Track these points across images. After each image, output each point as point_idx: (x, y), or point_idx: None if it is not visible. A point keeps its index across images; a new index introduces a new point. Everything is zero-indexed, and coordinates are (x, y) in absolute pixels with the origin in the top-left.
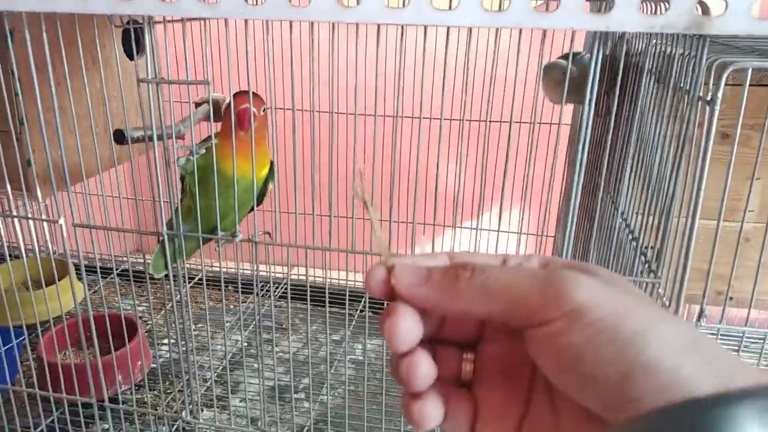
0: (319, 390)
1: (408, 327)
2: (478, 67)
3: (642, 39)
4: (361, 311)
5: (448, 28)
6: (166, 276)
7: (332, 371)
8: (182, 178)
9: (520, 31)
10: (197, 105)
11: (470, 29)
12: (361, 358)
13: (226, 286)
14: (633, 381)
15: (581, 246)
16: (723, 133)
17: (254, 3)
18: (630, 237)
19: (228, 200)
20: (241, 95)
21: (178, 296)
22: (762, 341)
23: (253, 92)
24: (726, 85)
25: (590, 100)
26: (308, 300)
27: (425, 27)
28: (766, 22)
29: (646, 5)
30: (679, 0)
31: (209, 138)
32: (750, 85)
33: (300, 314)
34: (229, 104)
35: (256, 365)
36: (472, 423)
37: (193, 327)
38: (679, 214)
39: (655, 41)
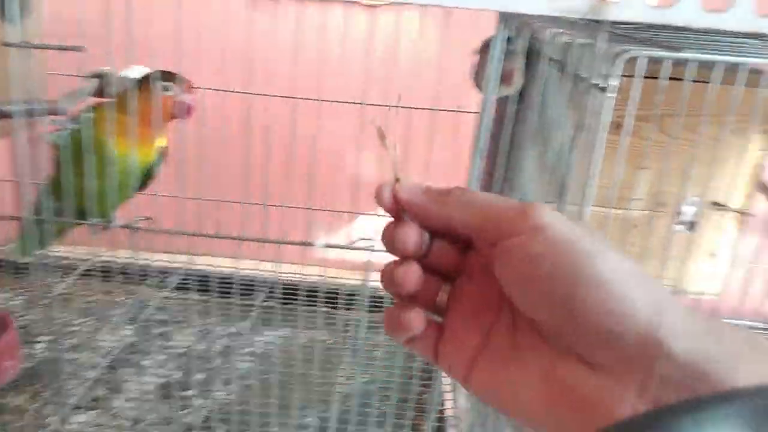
0: (213, 386)
1: (411, 233)
2: (384, 52)
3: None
4: (264, 301)
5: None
6: (45, 265)
7: (229, 365)
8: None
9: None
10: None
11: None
12: (261, 350)
13: (116, 277)
14: (580, 293)
15: None
16: (617, 123)
17: None
18: None
19: (105, 180)
20: (185, 83)
21: (55, 289)
22: None
23: (175, 73)
24: (624, 76)
25: (491, 86)
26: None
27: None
28: (660, 10)
29: None
30: None
31: (88, 111)
32: (645, 77)
33: (197, 306)
34: (145, 82)
35: (144, 362)
36: (436, 344)
37: (76, 322)
38: (573, 201)
39: (561, 30)
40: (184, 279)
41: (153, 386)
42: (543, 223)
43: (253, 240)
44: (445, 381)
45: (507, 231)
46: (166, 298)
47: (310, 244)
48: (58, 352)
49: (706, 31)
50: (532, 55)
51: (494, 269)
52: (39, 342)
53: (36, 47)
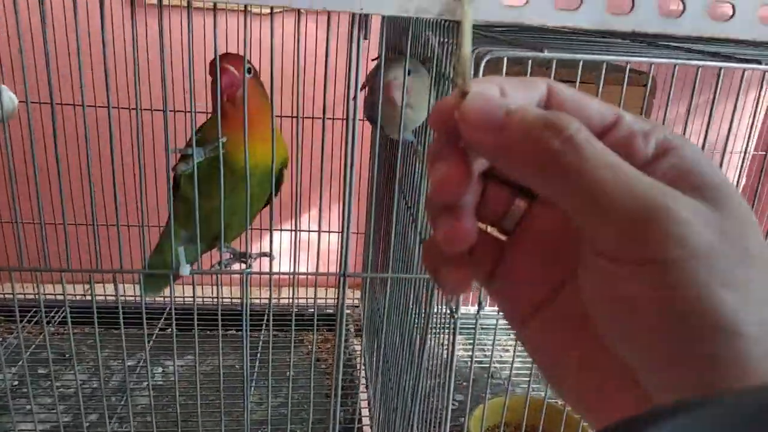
0: (108, 426)
1: (458, 182)
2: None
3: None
4: (162, 329)
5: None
6: None
7: (124, 402)
8: (175, 180)
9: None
10: None
11: (214, 7)
12: (161, 383)
13: None
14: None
15: (384, 242)
16: None
17: None
18: (415, 231)
19: (238, 198)
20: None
21: None
22: None
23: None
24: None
25: (355, 87)
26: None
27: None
28: (515, 10)
29: None
30: None
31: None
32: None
33: (88, 340)
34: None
35: (28, 406)
36: (493, 267)
37: None
38: None
39: (429, 32)
40: (73, 312)
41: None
42: (667, 256)
43: (120, 272)
44: (363, 396)
45: (610, 247)
46: (52, 334)
47: (175, 272)
48: None
49: (574, 32)
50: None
51: (578, 275)
52: None
53: None
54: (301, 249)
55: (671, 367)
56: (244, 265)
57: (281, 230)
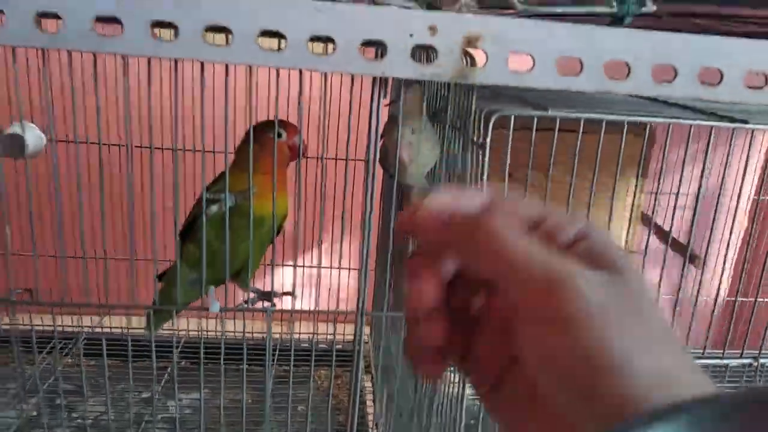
0: None
1: (422, 292)
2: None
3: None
4: (177, 362)
5: (227, 66)
6: None
7: None
8: (191, 223)
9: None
10: None
11: (249, 67)
12: (175, 415)
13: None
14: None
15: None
16: (510, 172)
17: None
18: None
19: (254, 244)
20: (289, 127)
21: None
22: None
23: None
24: (503, 128)
25: (375, 137)
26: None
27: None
28: (520, 76)
29: (420, 53)
30: (446, 52)
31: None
32: (538, 129)
33: (98, 374)
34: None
35: None
36: (462, 356)
37: None
38: None
39: (442, 89)
40: (88, 344)
41: None
42: (568, 314)
43: (146, 308)
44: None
45: (529, 308)
46: (66, 366)
47: (204, 309)
48: None
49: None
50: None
51: (513, 330)
52: None
53: None
54: (311, 285)
55: (586, 400)
56: (266, 303)
57: (297, 266)
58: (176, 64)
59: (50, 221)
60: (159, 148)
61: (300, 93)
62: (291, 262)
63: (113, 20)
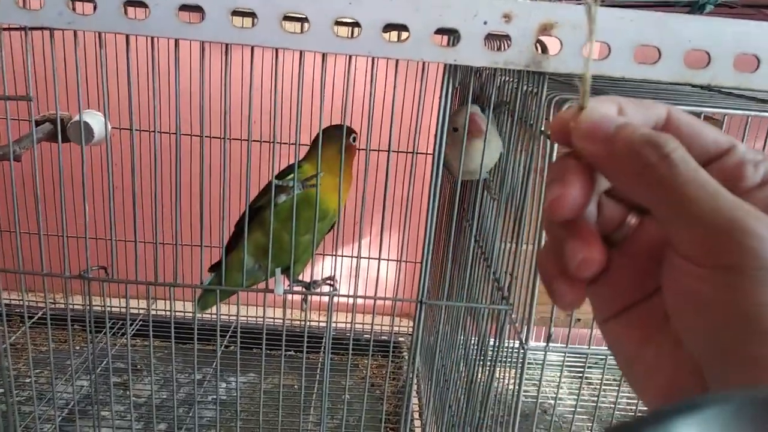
0: None
1: (572, 203)
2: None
3: (499, 75)
4: (227, 347)
5: (302, 52)
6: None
7: (191, 414)
8: (255, 210)
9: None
10: (38, 123)
11: (324, 55)
12: (225, 398)
13: (72, 325)
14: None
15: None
16: None
17: (82, 12)
18: (485, 264)
19: (312, 235)
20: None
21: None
22: (604, 359)
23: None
24: None
25: (441, 125)
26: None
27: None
28: (596, 63)
29: (491, 42)
30: (520, 39)
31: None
32: None
33: (157, 353)
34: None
35: (103, 413)
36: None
37: (29, 373)
38: (527, 240)
39: (507, 78)
40: (142, 325)
41: None
42: (744, 265)
43: (213, 288)
44: (416, 424)
45: (697, 247)
46: (124, 345)
47: (270, 291)
48: (11, 405)
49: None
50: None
51: (665, 262)
52: None
53: None
54: (358, 276)
55: (725, 360)
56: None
57: (342, 256)
58: (253, 53)
59: (123, 204)
60: (236, 139)
61: (372, 83)
62: (331, 252)
63: (196, 8)
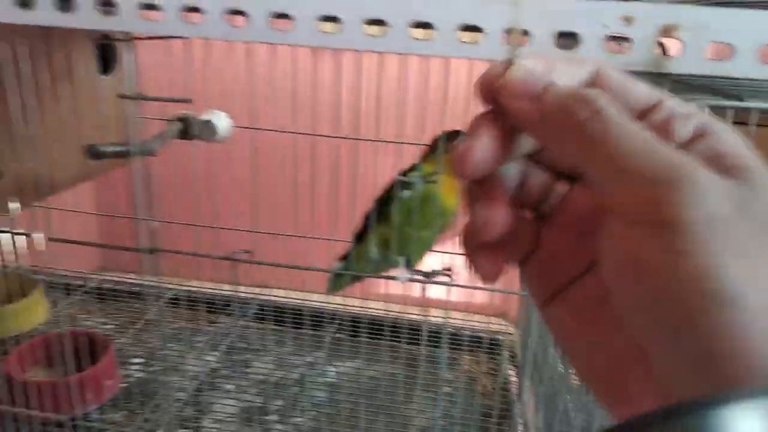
0: (291, 412)
1: (479, 157)
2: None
3: None
4: (335, 333)
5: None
6: (137, 294)
7: (304, 394)
8: (384, 202)
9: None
10: (170, 122)
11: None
12: (334, 380)
13: (199, 306)
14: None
15: None
16: None
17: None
18: None
19: (432, 231)
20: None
21: (150, 314)
22: None
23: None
24: None
25: None
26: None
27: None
28: (717, 63)
29: (609, 43)
30: (641, 42)
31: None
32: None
33: (273, 335)
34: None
35: (227, 386)
36: (527, 253)
37: (164, 346)
38: None
39: None
40: (260, 309)
41: (236, 410)
42: (681, 220)
43: (344, 272)
44: (520, 421)
45: (629, 205)
46: (245, 327)
47: (393, 278)
48: (151, 374)
49: None
50: None
51: (598, 231)
52: (132, 364)
53: (148, 99)
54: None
55: (676, 337)
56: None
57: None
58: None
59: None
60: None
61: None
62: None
63: (284, 16)
